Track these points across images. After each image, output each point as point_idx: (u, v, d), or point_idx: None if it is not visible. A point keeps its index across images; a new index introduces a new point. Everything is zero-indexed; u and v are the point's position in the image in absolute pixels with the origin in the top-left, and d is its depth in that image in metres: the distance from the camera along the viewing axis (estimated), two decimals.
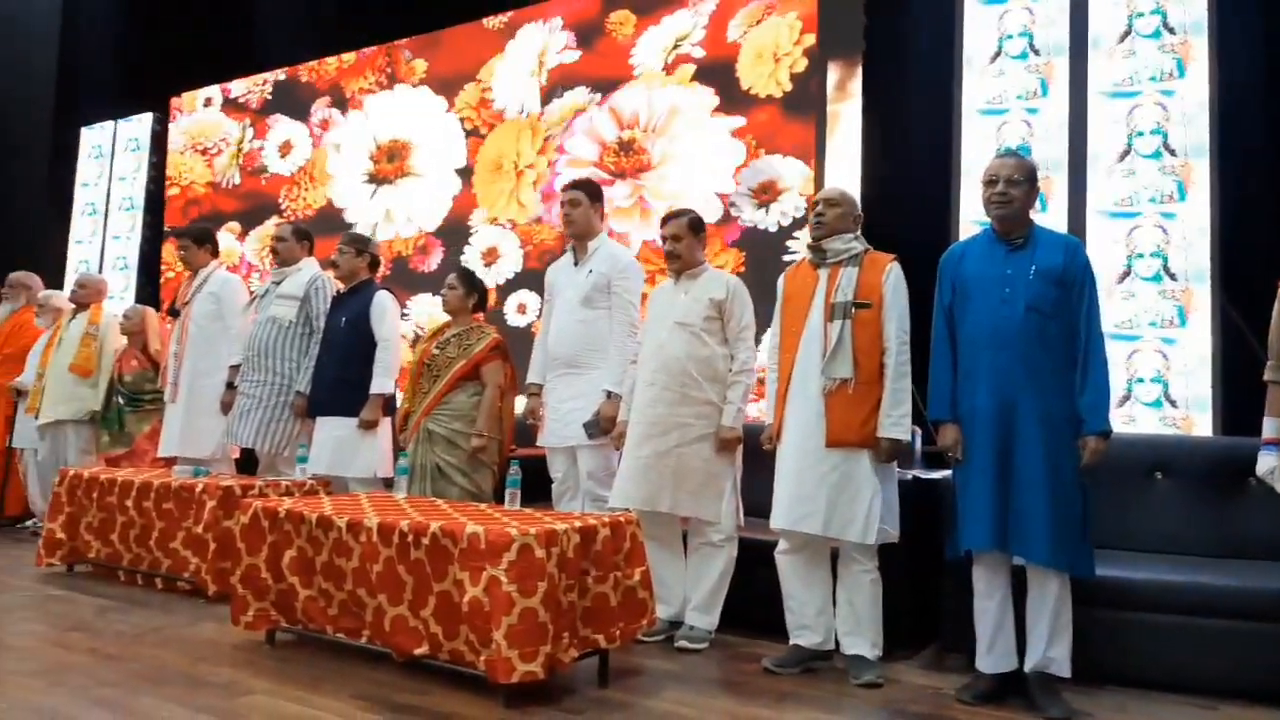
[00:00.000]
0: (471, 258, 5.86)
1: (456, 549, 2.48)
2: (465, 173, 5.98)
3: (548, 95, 5.68)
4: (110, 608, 3.41)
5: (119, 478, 3.88)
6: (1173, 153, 3.84)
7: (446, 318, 3.96)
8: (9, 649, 2.82)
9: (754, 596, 3.19)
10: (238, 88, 7.26)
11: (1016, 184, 2.71)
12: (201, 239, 4.63)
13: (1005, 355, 2.62)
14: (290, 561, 2.83)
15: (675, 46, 5.23)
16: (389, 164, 6.36)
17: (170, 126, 7.64)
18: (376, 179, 6.41)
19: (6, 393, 5.24)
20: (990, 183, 2.75)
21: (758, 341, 3.30)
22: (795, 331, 2.93)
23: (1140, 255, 3.85)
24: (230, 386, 4.38)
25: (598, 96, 5.48)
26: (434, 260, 6.05)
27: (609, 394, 3.44)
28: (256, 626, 2.93)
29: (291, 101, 6.94)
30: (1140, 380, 3.79)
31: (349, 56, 6.65)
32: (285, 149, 6.93)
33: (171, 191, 7.53)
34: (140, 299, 7.17)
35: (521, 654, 2.32)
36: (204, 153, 7.37)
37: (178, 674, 2.60)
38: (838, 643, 2.88)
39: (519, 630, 2.33)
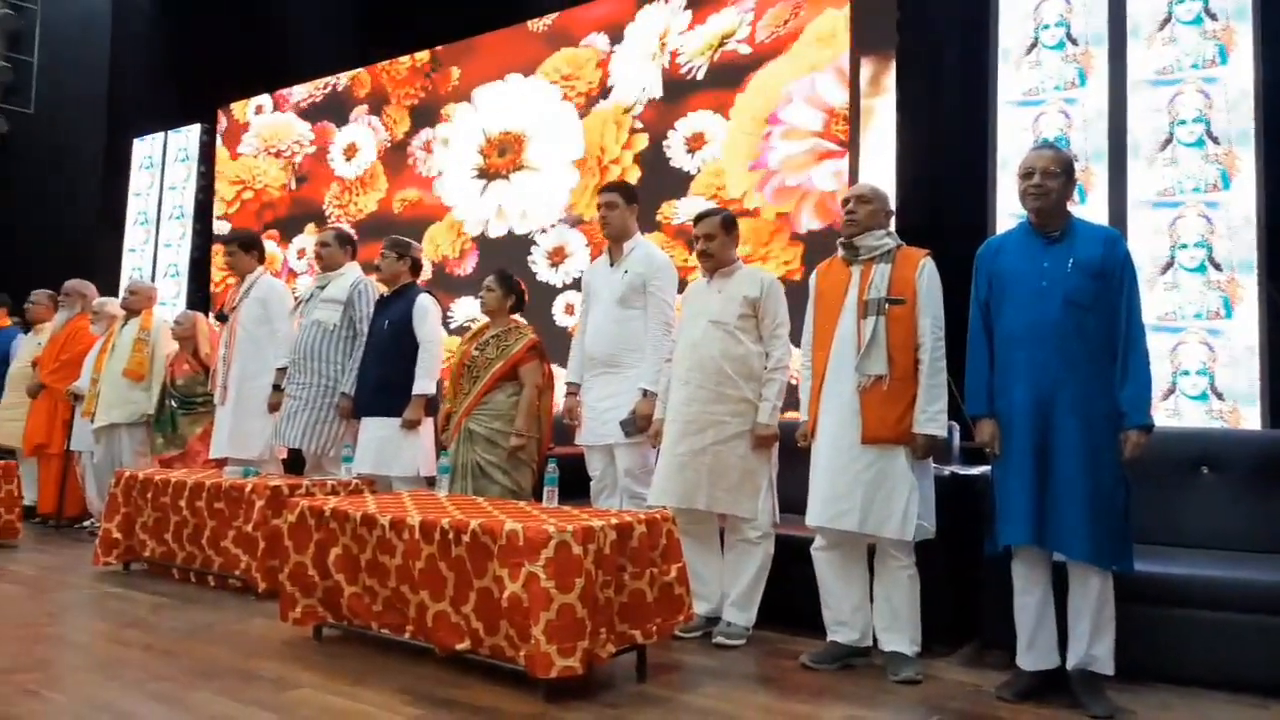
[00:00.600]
0: (536, 259, 5.83)
1: (496, 546, 2.52)
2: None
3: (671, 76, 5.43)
4: (165, 605, 3.53)
5: (173, 479, 4.00)
6: (1216, 141, 3.77)
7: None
8: (69, 645, 2.93)
9: (790, 593, 3.20)
10: (299, 92, 7.34)
11: (1053, 176, 2.68)
12: (248, 245, 4.75)
13: (1043, 349, 2.60)
14: (336, 559, 2.91)
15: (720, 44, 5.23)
16: (500, 158, 6.15)
17: (224, 133, 7.83)
18: (487, 174, 6.22)
19: (64, 397, 5.42)
20: (1026, 175, 2.72)
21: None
22: (828, 329, 2.93)
23: (1184, 245, 3.78)
24: (277, 389, 4.50)
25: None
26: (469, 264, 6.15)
27: (645, 392, 3.47)
28: (304, 622, 3.01)
29: (345, 105, 7.04)
30: (1185, 373, 3.72)
31: (421, 55, 6.61)
32: (351, 151, 6.97)
33: (246, 195, 7.60)
34: (191, 305, 7.39)
35: (560, 649, 2.36)
36: (278, 155, 7.43)
37: (229, 669, 2.69)
38: (875, 639, 2.88)
39: (557, 626, 2.37)
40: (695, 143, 5.29)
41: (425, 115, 6.58)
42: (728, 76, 5.19)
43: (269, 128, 7.52)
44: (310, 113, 7.29)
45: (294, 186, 7.30)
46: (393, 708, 2.38)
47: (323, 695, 2.47)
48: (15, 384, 5.77)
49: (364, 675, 2.66)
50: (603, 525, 2.57)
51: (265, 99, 7.60)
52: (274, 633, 3.12)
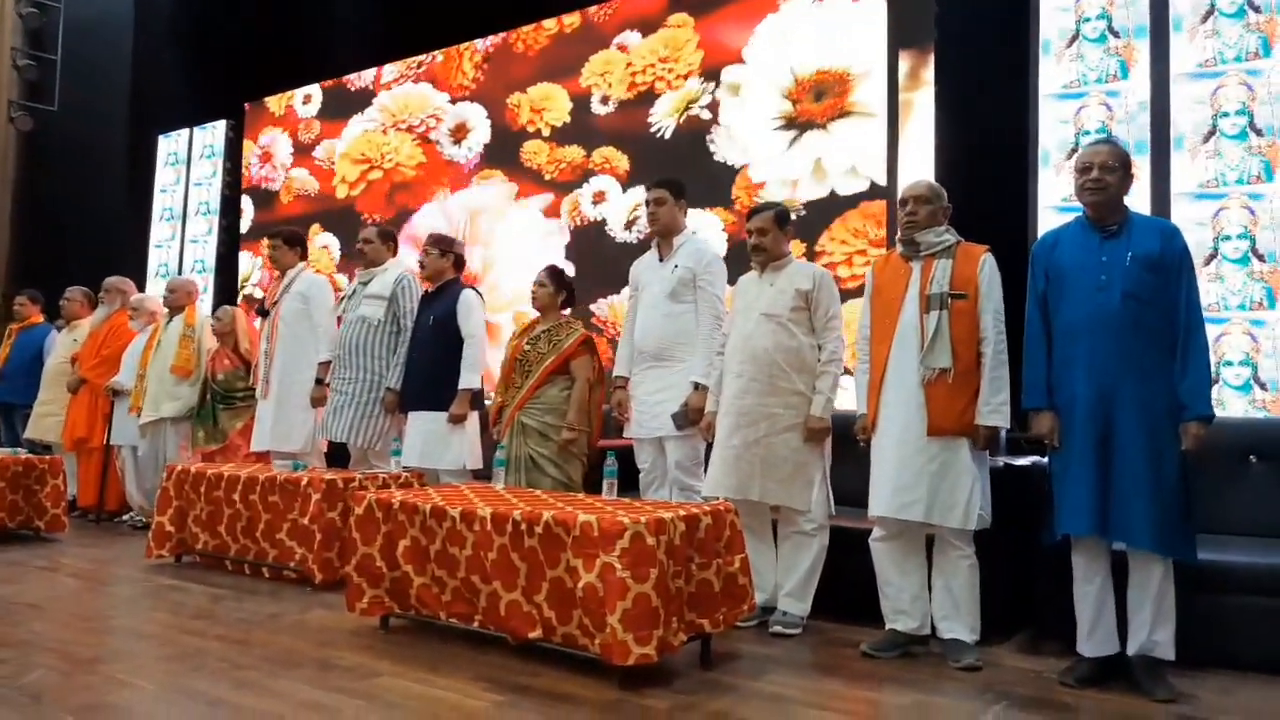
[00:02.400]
0: None
1: (569, 537, 2.57)
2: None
3: None
4: (223, 596, 3.59)
5: (225, 473, 4.06)
6: (1259, 133, 3.80)
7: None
8: (145, 636, 2.99)
9: (843, 583, 3.25)
10: (389, 71, 6.97)
11: (1111, 170, 2.72)
12: (292, 240, 4.81)
13: (1103, 342, 2.64)
14: (404, 550, 2.96)
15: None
16: (816, 103, 5.02)
17: (248, 128, 7.85)
18: (796, 123, 5.08)
19: (105, 392, 5.48)
20: (1084, 170, 2.76)
21: None
22: (889, 323, 2.97)
23: (1227, 237, 3.81)
24: (320, 383, 4.55)
25: None
26: None
27: (696, 385, 3.52)
28: (371, 613, 3.06)
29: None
30: (1229, 363, 3.76)
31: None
32: (460, 132, 6.55)
33: (373, 175, 6.90)
34: (217, 300, 7.43)
35: (636, 637, 2.41)
36: (409, 130, 6.74)
37: (306, 657, 2.75)
38: (933, 627, 2.93)
39: (633, 614, 2.42)
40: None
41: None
42: None
43: (399, 100, 6.82)
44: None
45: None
46: (474, 694, 2.44)
47: (404, 683, 2.53)
48: (52, 380, 5.82)
49: (437, 663, 2.71)
50: (672, 517, 2.62)
51: (314, 88, 7.43)
52: (338, 623, 3.17)
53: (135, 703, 2.33)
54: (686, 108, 5.47)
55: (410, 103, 6.77)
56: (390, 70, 6.99)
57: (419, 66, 6.82)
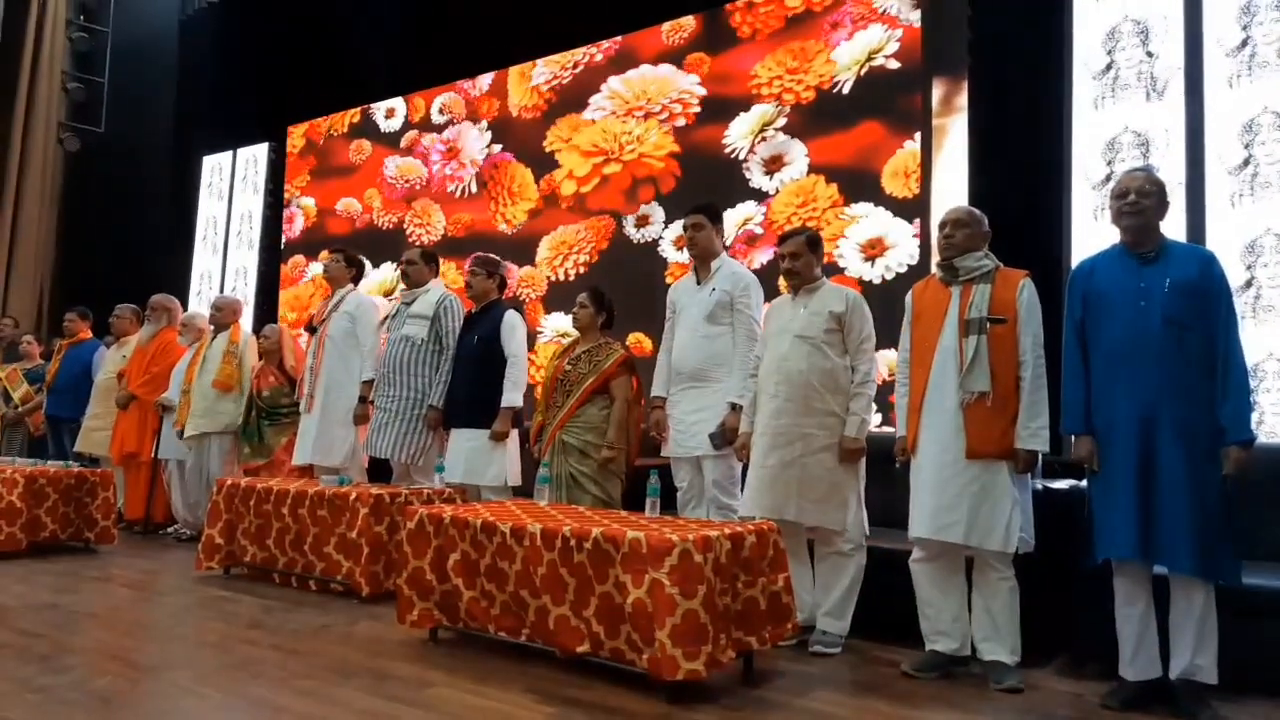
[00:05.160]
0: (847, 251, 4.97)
1: (619, 553, 2.64)
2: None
3: None
4: (274, 608, 3.68)
5: (274, 487, 4.16)
6: None
7: None
8: (203, 645, 3.08)
9: (882, 603, 3.30)
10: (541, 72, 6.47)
11: (1148, 195, 2.78)
12: (351, 261, 5.00)
13: (1145, 367, 2.68)
14: (455, 564, 3.04)
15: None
16: None
17: (300, 150, 8.04)
18: None
19: (153, 408, 5.63)
20: (1121, 196, 2.82)
21: None
22: (928, 347, 3.03)
23: (1265, 265, 3.83)
24: (363, 400, 4.67)
25: None
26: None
27: (733, 406, 3.59)
28: (421, 625, 3.14)
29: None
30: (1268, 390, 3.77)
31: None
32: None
33: (610, 169, 5.97)
34: (259, 318, 7.60)
35: (685, 653, 2.47)
36: (647, 116, 5.86)
37: (360, 668, 2.83)
38: (974, 649, 2.97)
39: (682, 630, 2.48)
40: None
41: None
42: None
43: (636, 82, 5.93)
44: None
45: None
46: (526, 706, 2.50)
47: (457, 693, 2.60)
48: (101, 395, 5.98)
49: (487, 675, 2.78)
50: (718, 535, 2.68)
51: (398, 101, 7.27)
52: (387, 634, 3.26)
53: (203, 710, 2.42)
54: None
55: (648, 86, 5.89)
56: (545, 69, 6.43)
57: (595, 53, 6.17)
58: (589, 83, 6.20)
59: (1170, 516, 2.60)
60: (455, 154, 6.89)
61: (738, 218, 5.39)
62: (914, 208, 4.80)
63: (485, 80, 6.81)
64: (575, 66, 6.30)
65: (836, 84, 5.16)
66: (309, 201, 7.79)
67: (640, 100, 5.92)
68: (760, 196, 5.33)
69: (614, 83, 6.06)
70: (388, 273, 7.09)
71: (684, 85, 5.74)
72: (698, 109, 5.67)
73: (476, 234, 6.62)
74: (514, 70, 6.64)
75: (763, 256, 5.22)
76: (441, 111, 7.05)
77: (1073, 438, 2.86)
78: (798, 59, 5.33)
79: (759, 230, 5.31)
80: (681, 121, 5.72)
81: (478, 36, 6.81)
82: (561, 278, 6.15)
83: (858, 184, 5.00)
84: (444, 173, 6.92)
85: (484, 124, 6.75)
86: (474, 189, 6.74)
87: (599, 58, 6.18)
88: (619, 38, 6.11)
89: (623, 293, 4.68)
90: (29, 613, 3.43)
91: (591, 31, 6.23)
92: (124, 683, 2.62)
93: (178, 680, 2.65)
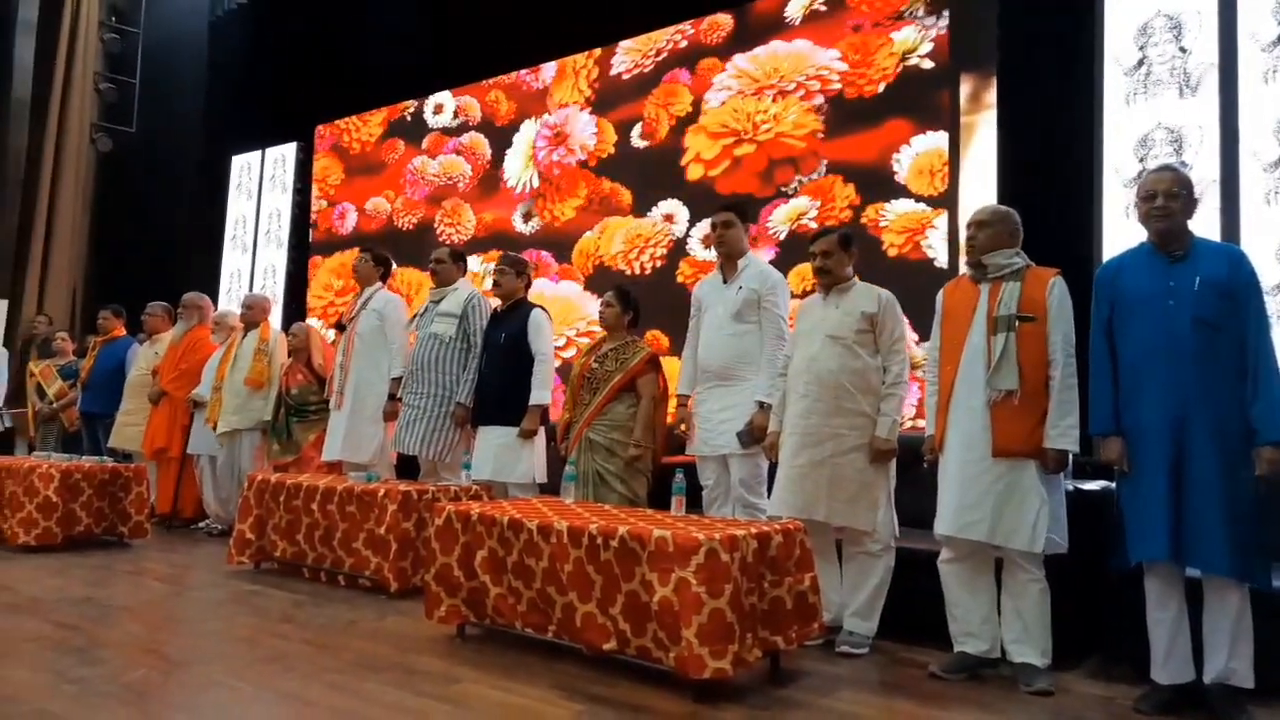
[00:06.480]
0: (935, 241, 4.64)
1: (645, 552, 2.65)
2: None
3: None
4: (304, 602, 3.72)
5: (304, 483, 4.21)
6: None
7: None
8: (234, 639, 3.13)
9: (908, 604, 3.28)
10: (620, 62, 6.17)
11: (1175, 197, 2.75)
12: (380, 260, 5.05)
13: (1175, 368, 2.65)
14: (482, 561, 3.06)
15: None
16: None
17: (333, 147, 8.11)
18: None
19: (184, 404, 5.71)
20: (1148, 198, 2.78)
21: None
22: (956, 345, 3.01)
23: None
24: (392, 398, 4.71)
25: None
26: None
27: (761, 404, 3.58)
28: (448, 621, 3.17)
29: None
30: None
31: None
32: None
33: (743, 150, 5.49)
34: (287, 316, 7.68)
35: (712, 651, 2.48)
36: (780, 95, 5.38)
37: (389, 662, 2.86)
38: (1003, 650, 2.95)
39: (709, 629, 2.49)
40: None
41: None
42: None
43: (767, 60, 5.48)
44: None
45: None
46: (554, 702, 2.52)
47: (485, 689, 2.62)
48: (134, 391, 6.08)
49: (514, 671, 2.80)
50: (745, 534, 2.68)
51: (445, 96, 7.12)
52: (415, 630, 3.28)
53: (235, 702, 2.46)
54: None
55: (782, 63, 5.45)
56: (629, 53, 6.12)
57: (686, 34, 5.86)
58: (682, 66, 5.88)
59: (1203, 518, 2.56)
60: (563, 139, 6.43)
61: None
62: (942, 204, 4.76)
63: (549, 70, 6.58)
64: (657, 54, 6.03)
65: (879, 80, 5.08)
66: (379, 201, 7.58)
67: (773, 78, 5.47)
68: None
69: (740, 61, 5.62)
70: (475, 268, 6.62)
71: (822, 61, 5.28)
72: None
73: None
74: (591, 53, 6.35)
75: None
76: (486, 106, 6.91)
77: (1101, 439, 2.83)
78: (859, 53, 5.20)
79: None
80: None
81: (533, 26, 6.65)
82: (637, 271, 5.84)
83: (876, 181, 4.95)
84: (550, 159, 6.50)
85: (587, 111, 6.34)
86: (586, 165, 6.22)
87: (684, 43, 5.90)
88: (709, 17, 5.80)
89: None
90: (65, 605, 3.50)
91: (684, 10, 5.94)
92: (158, 675, 2.67)
93: (210, 673, 2.69)
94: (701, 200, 5.61)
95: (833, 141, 5.15)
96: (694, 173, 5.75)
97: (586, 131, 6.34)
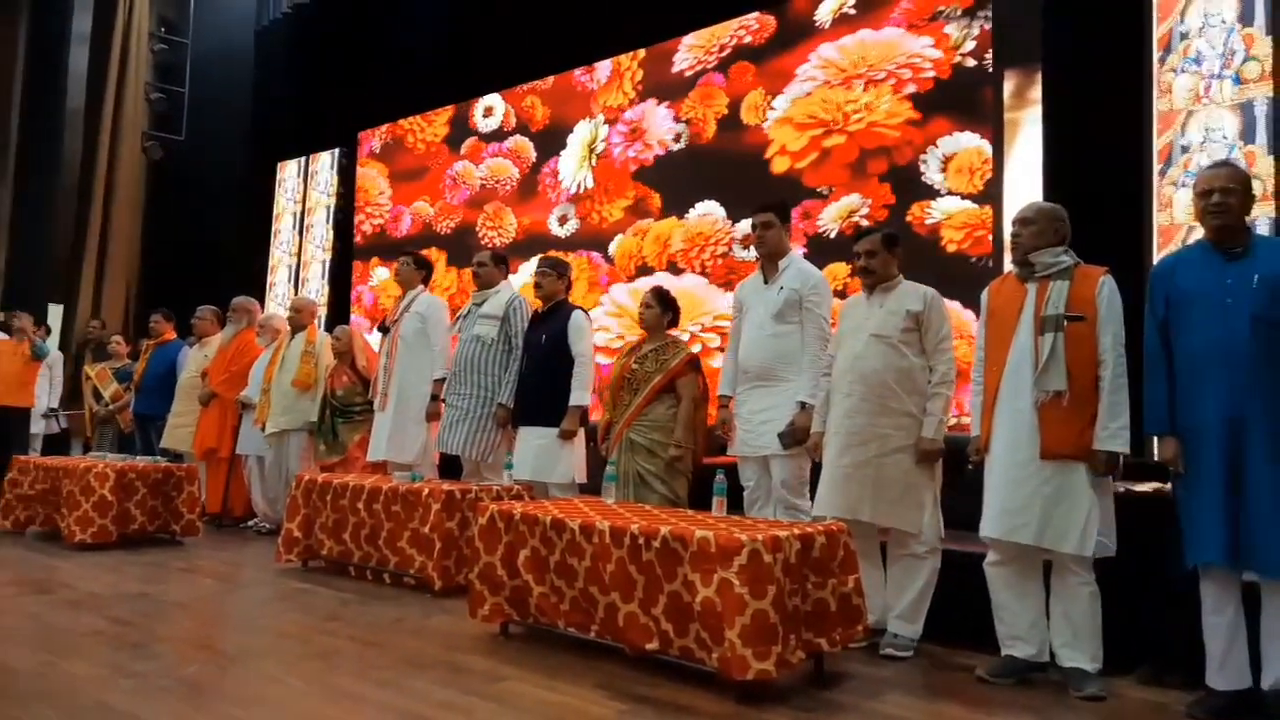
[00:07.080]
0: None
1: (687, 552, 2.65)
2: None
3: None
4: (350, 600, 3.79)
5: (350, 483, 4.28)
6: None
7: None
8: (285, 635, 3.19)
9: (954, 606, 3.24)
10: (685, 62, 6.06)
11: (1232, 193, 2.69)
12: (421, 263, 5.12)
13: (1232, 367, 2.59)
14: (525, 560, 3.09)
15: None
16: None
17: (380, 150, 8.24)
18: None
19: (233, 405, 5.84)
20: (1205, 194, 2.73)
21: None
22: (1003, 345, 2.97)
23: None
24: (435, 399, 4.77)
25: None
26: None
27: (803, 405, 3.56)
28: (491, 620, 3.20)
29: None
30: None
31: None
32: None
33: (834, 141, 5.24)
34: (331, 319, 7.81)
35: (755, 653, 2.47)
36: (869, 85, 5.15)
37: (435, 660, 2.89)
38: (1052, 655, 2.90)
39: (751, 630, 2.48)
40: None
41: None
42: None
43: (854, 49, 5.28)
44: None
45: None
46: (598, 701, 2.53)
47: (529, 688, 2.64)
48: (184, 393, 6.22)
49: (557, 670, 2.82)
50: (788, 535, 2.67)
51: (495, 99, 7.16)
52: (459, 628, 3.32)
53: (288, 698, 2.51)
54: None
55: (869, 51, 5.24)
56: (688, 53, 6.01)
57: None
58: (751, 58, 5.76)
59: (1262, 520, 2.51)
60: (640, 134, 6.29)
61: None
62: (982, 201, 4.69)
63: (603, 69, 6.51)
64: (721, 49, 5.91)
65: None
66: (421, 205, 7.64)
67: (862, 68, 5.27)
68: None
69: (826, 50, 5.41)
70: (524, 277, 6.43)
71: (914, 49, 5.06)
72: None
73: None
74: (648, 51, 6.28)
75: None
76: (534, 107, 6.89)
77: (1156, 439, 2.77)
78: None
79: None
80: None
81: (582, 27, 6.65)
82: (698, 269, 5.77)
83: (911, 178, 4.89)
84: (626, 155, 6.34)
85: (665, 106, 6.17)
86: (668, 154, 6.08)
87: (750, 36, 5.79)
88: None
89: None
90: (120, 601, 3.60)
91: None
92: (212, 670, 2.73)
93: (263, 669, 2.75)
94: (789, 193, 5.25)
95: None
96: (779, 165, 5.53)
97: (664, 126, 6.15)
